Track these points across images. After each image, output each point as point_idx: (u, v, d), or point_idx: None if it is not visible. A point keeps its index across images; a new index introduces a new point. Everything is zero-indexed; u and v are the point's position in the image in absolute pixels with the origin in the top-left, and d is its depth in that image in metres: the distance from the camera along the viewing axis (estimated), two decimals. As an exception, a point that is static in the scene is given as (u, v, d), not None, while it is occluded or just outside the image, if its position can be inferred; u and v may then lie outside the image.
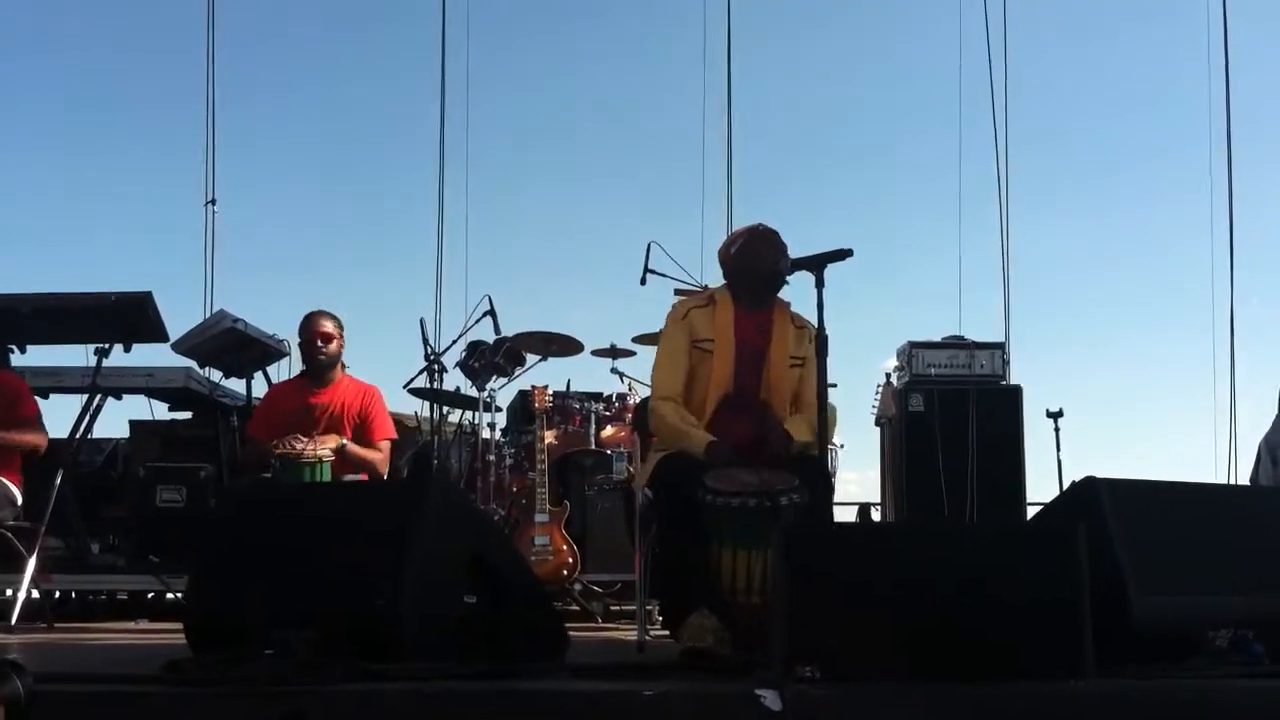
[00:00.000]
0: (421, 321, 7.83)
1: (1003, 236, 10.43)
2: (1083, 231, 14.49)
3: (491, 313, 7.78)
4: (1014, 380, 7.90)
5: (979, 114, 10.47)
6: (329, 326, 6.28)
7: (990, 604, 3.43)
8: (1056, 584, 3.44)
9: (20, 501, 6.18)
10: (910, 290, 14.48)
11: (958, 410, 7.53)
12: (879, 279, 12.56)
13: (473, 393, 7.76)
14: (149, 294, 6.80)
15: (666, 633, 4.64)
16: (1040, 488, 8.39)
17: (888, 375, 8.06)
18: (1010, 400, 7.70)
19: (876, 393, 8.08)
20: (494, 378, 7.69)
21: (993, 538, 3.79)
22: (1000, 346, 7.95)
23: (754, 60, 11.63)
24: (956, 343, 7.88)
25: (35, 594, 5.99)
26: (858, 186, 14.83)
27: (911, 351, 7.82)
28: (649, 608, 5.19)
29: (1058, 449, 7.90)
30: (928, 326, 10.02)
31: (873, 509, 8.40)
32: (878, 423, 8.08)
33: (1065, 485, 7.40)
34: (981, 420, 7.50)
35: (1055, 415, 7.92)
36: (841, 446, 8.36)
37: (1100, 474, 4.09)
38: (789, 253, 4.68)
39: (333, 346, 6.27)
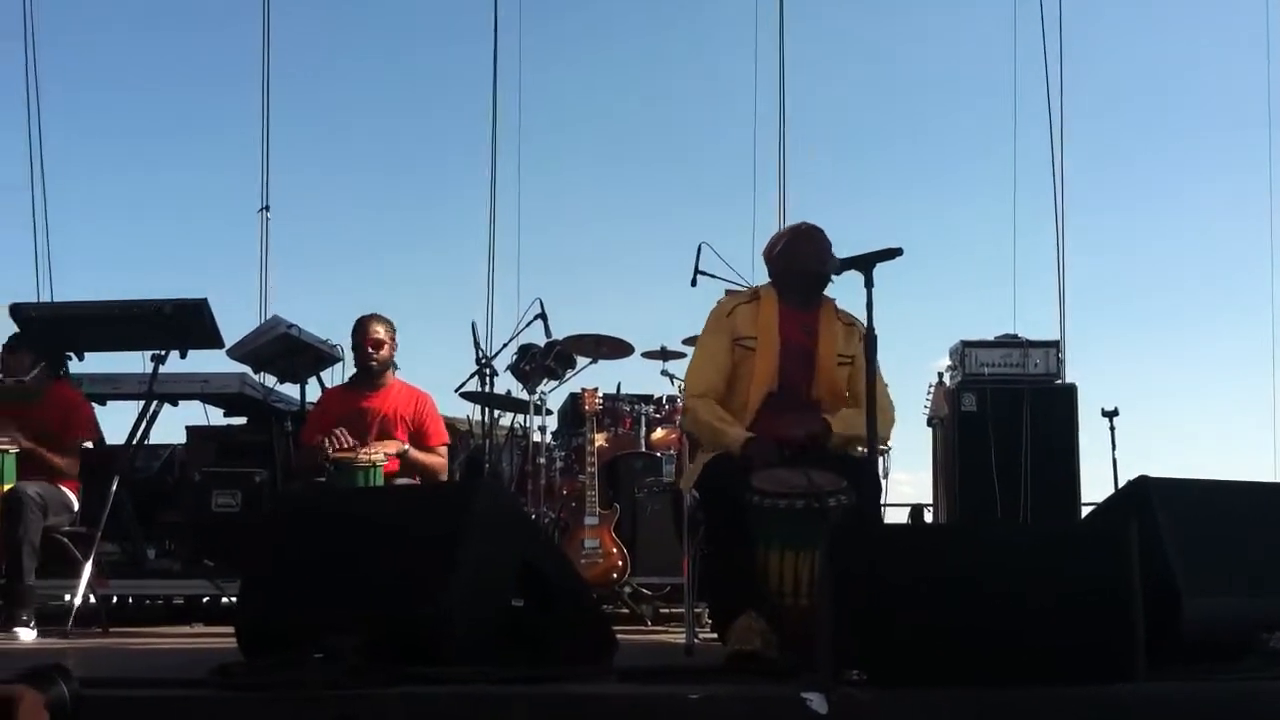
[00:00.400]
0: (473, 325, 7.88)
1: (1058, 233, 10.28)
2: (1138, 228, 14.30)
3: (542, 316, 7.80)
4: (1069, 379, 7.81)
5: (1034, 105, 10.32)
6: (380, 331, 6.33)
7: (1041, 606, 3.39)
8: (1108, 585, 3.40)
9: (77, 507, 6.28)
10: (963, 289, 14.35)
11: (1011, 410, 7.45)
12: (931, 277, 12.45)
13: (524, 396, 7.78)
14: (204, 301, 6.88)
15: (715, 635, 4.63)
16: (1095, 488, 8.28)
17: (940, 375, 8.00)
18: (1065, 399, 7.61)
19: (928, 393, 8.02)
20: (544, 380, 7.71)
21: (1044, 538, 3.75)
22: (1055, 345, 7.86)
23: (805, 49, 11.53)
24: (1010, 341, 7.80)
25: (92, 599, 6.06)
26: (910, 185, 14.69)
27: (964, 350, 7.75)
28: (698, 610, 5.17)
29: (1113, 448, 7.81)
30: (981, 325, 9.91)
31: (925, 510, 8.34)
32: (930, 423, 8.02)
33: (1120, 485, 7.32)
34: (1036, 420, 7.42)
35: (1110, 414, 7.83)
36: (890, 449, 8.29)
37: (1156, 474, 4.04)
38: (834, 250, 4.65)
39: (384, 351, 6.32)
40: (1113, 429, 7.81)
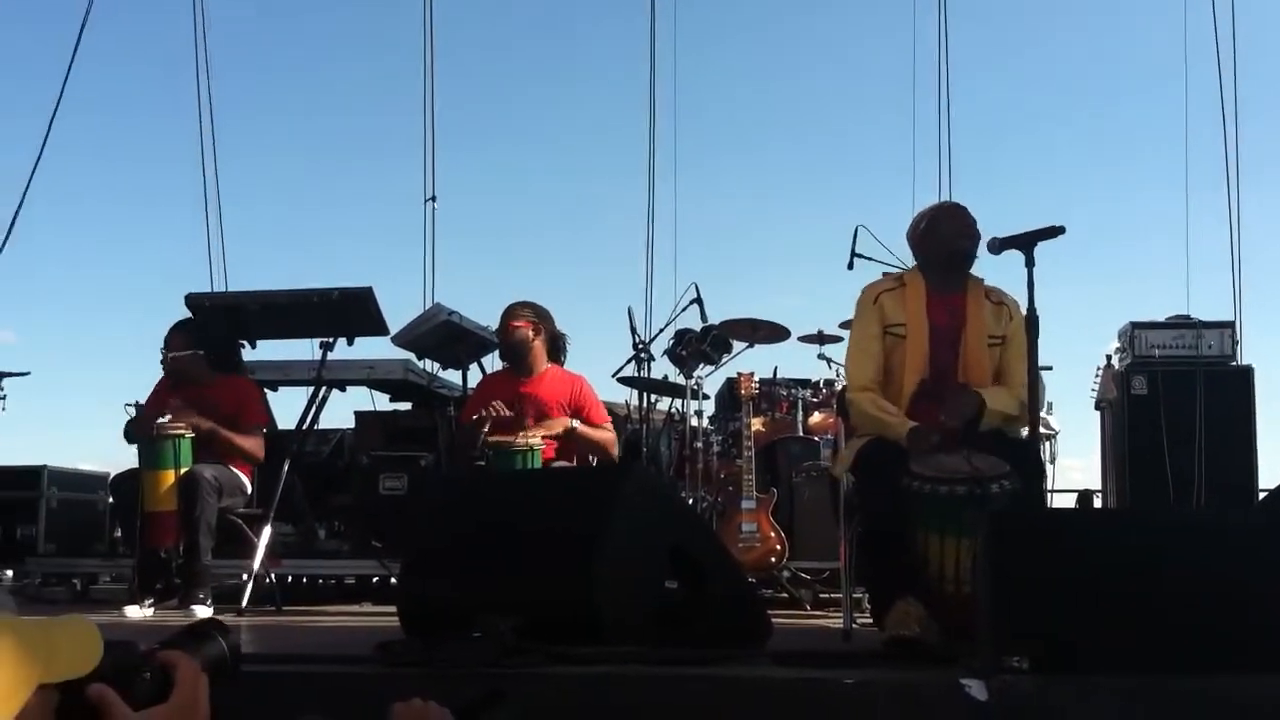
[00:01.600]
0: (630, 311, 7.92)
1: (1230, 210, 9.85)
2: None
3: (698, 300, 7.80)
4: (1245, 361, 7.51)
5: (1205, 79, 9.91)
6: (519, 316, 6.40)
7: (1209, 594, 3.27)
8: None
9: (250, 490, 6.49)
10: (1132, 268, 13.91)
11: (1184, 393, 7.19)
12: (1099, 257, 12.10)
13: (680, 380, 7.80)
14: (370, 289, 7.04)
15: (873, 621, 4.58)
16: (1273, 474, 7.93)
17: (1108, 357, 7.76)
18: (1241, 382, 7.32)
19: (1096, 375, 7.79)
20: (701, 365, 7.71)
21: (1217, 524, 3.62)
22: (1230, 325, 7.56)
23: (967, 29, 11.28)
24: (1182, 322, 7.53)
25: (266, 578, 6.26)
26: (1076, 158, 14.30)
27: (1133, 332, 7.51)
28: (856, 595, 5.12)
29: (1293, 432, 7.50)
30: (1151, 307, 9.59)
31: (1094, 496, 8.10)
32: (1097, 406, 7.79)
33: (1302, 471, 7.03)
34: (1210, 403, 7.15)
35: (1291, 397, 7.51)
36: (1057, 434, 8.08)
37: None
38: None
39: (517, 334, 6.38)
40: (1292, 412, 7.50)
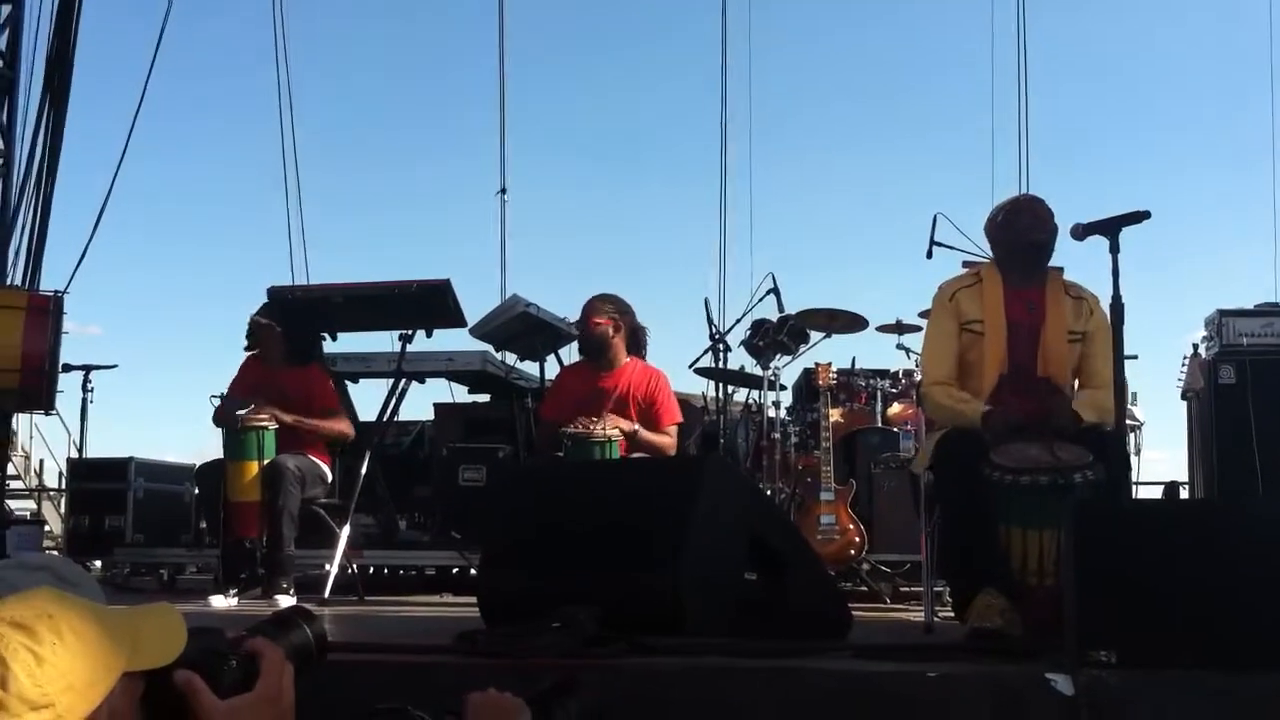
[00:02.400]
0: (706, 301, 7.90)
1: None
2: None
3: (775, 290, 7.76)
4: (1338, 348, 7.32)
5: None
6: (599, 311, 6.38)
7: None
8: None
9: (331, 479, 6.57)
10: (1220, 257, 13.65)
11: (1273, 382, 7.03)
12: (1185, 245, 11.88)
13: (757, 371, 7.77)
14: (448, 281, 7.09)
15: (954, 615, 4.53)
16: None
17: (1195, 346, 7.61)
18: (1333, 370, 7.14)
19: (1182, 365, 7.64)
20: (778, 356, 7.66)
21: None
22: (1322, 312, 7.38)
23: (1048, 12, 11.11)
24: (1271, 310, 7.36)
25: (349, 568, 6.33)
26: (1162, 147, 14.04)
27: (1221, 320, 7.35)
28: (937, 589, 5.07)
29: (1389, 422, 7.28)
30: (1239, 295, 9.37)
31: (1181, 488, 7.96)
32: (1184, 396, 7.65)
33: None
34: (1300, 392, 6.99)
35: (1383, 385, 7.30)
36: (1142, 425, 7.94)
37: None
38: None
39: (598, 330, 6.36)
40: (1385, 400, 7.29)
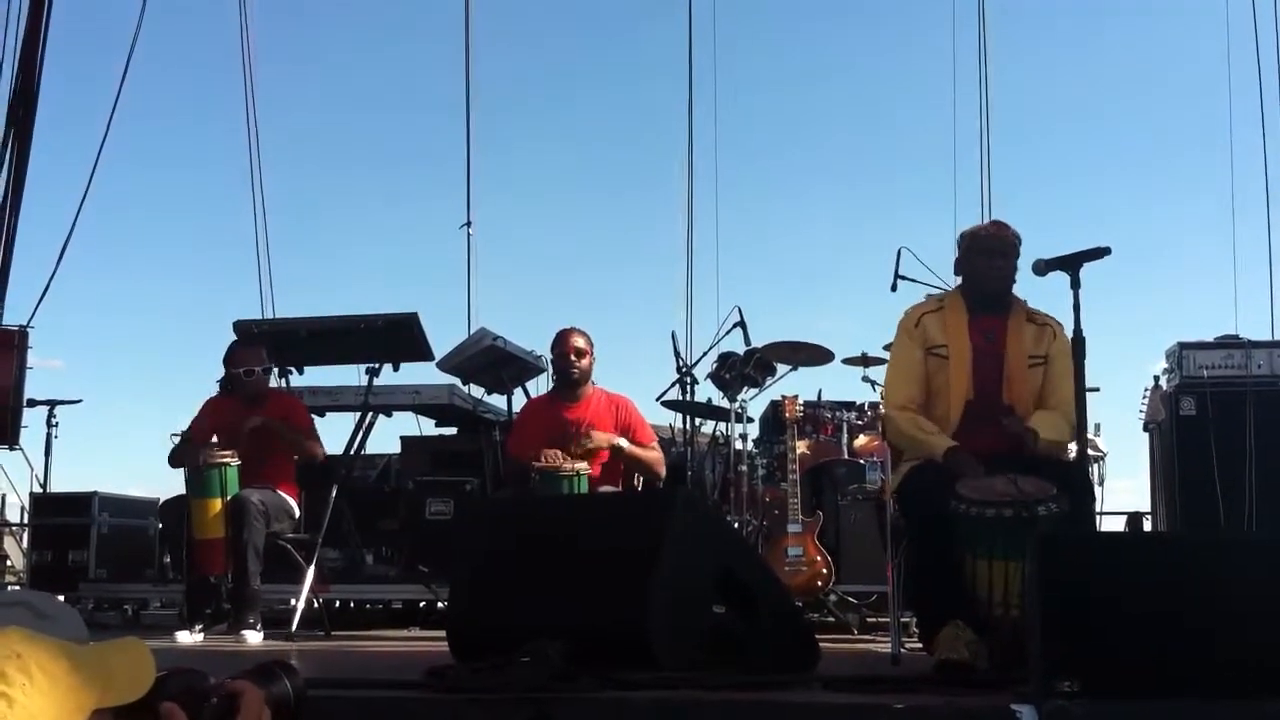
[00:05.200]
0: (673, 335, 7.94)
1: (1269, 221, 9.72)
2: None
3: (741, 324, 7.80)
4: (1296, 380, 7.41)
5: (1249, 91, 9.81)
6: (581, 342, 6.41)
7: (1262, 617, 3.23)
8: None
9: (298, 514, 6.54)
10: (1179, 287, 13.80)
11: (1234, 414, 7.11)
12: (1144, 277, 12.01)
13: (724, 404, 7.80)
14: (415, 315, 7.12)
15: (922, 645, 4.55)
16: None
17: (1156, 378, 7.69)
18: (1293, 402, 7.23)
19: (1144, 397, 7.72)
20: (745, 388, 7.70)
21: (1266, 547, 3.58)
22: (1280, 345, 7.48)
23: (1007, 58, 11.25)
24: (1231, 342, 7.45)
25: (315, 603, 6.30)
26: (1122, 180, 14.22)
27: (1181, 352, 7.43)
28: (904, 619, 5.10)
29: (1348, 454, 7.37)
30: (1199, 327, 9.48)
31: (1144, 519, 8.03)
32: (1146, 428, 7.73)
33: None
34: (1260, 424, 7.06)
35: (1345, 417, 7.40)
36: (1105, 455, 8.02)
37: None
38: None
39: (585, 362, 6.40)
40: (1347, 433, 7.39)
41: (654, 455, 6.40)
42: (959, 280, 4.84)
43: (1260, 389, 7.21)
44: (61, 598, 6.60)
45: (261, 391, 6.50)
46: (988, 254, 4.65)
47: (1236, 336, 7.51)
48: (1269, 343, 7.44)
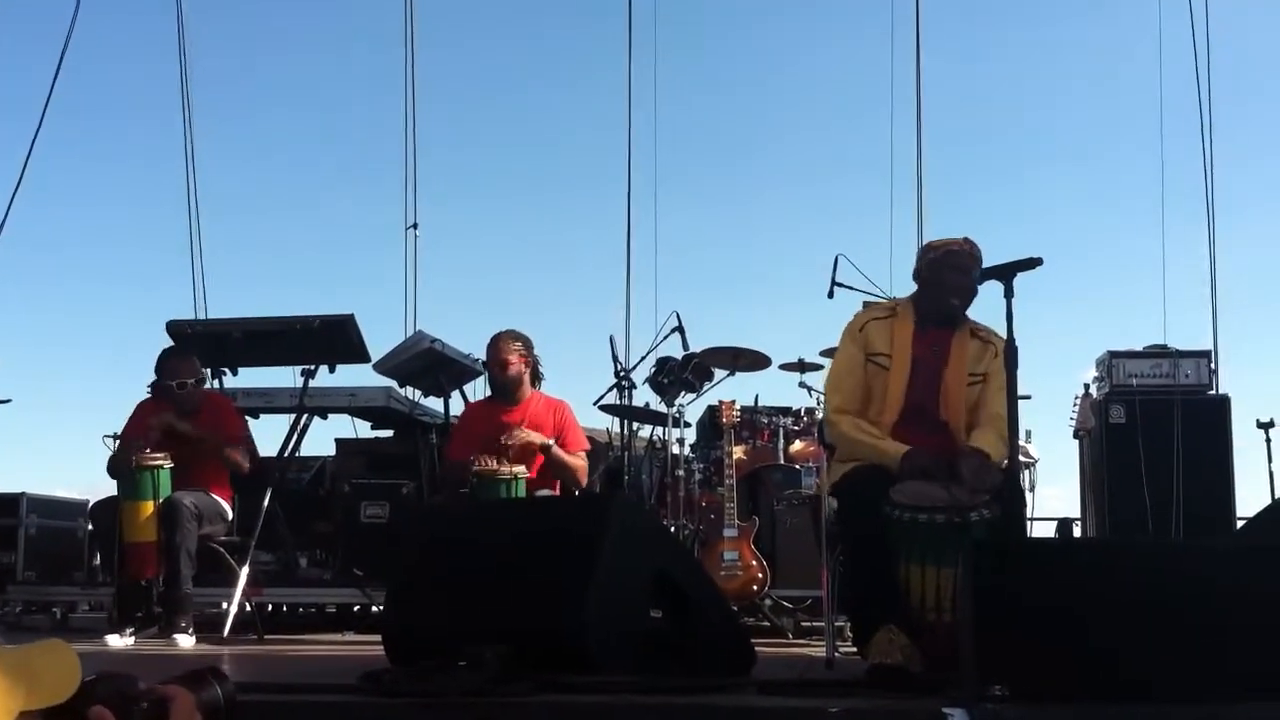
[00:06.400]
0: (611, 339, 7.96)
1: (1210, 236, 9.90)
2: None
3: (680, 329, 7.85)
4: (1222, 390, 7.58)
5: (1180, 98, 9.98)
6: (510, 351, 6.40)
7: (1191, 623, 3.30)
8: (1265, 604, 3.30)
9: (232, 517, 6.48)
10: (1109, 297, 14.01)
11: (1162, 422, 7.25)
12: (1074, 287, 12.18)
13: (662, 408, 7.82)
14: (351, 316, 7.08)
15: (856, 649, 4.59)
16: (1251, 503, 7.99)
17: (1086, 386, 7.81)
18: (1218, 411, 7.37)
19: (1074, 404, 7.84)
20: (682, 393, 7.73)
21: (1196, 554, 3.66)
22: (1207, 355, 7.63)
23: (942, 62, 11.36)
24: (1159, 351, 7.59)
25: (247, 606, 6.24)
26: (1053, 190, 14.41)
27: (1111, 361, 7.57)
28: (839, 624, 5.14)
29: (1269, 462, 7.56)
30: (1128, 336, 9.63)
31: (1073, 525, 8.16)
32: (1076, 435, 7.84)
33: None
34: (1187, 432, 7.20)
35: (1266, 426, 7.60)
36: (1036, 462, 8.13)
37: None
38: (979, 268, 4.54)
39: (513, 370, 6.39)
40: (1269, 441, 7.59)
41: (578, 463, 6.41)
42: (915, 289, 4.81)
43: (1187, 397, 7.35)
44: (-12, 600, 6.48)
45: (192, 402, 6.42)
46: (960, 270, 4.63)
47: (1165, 346, 7.65)
48: (1196, 352, 7.59)
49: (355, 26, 14.64)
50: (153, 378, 6.46)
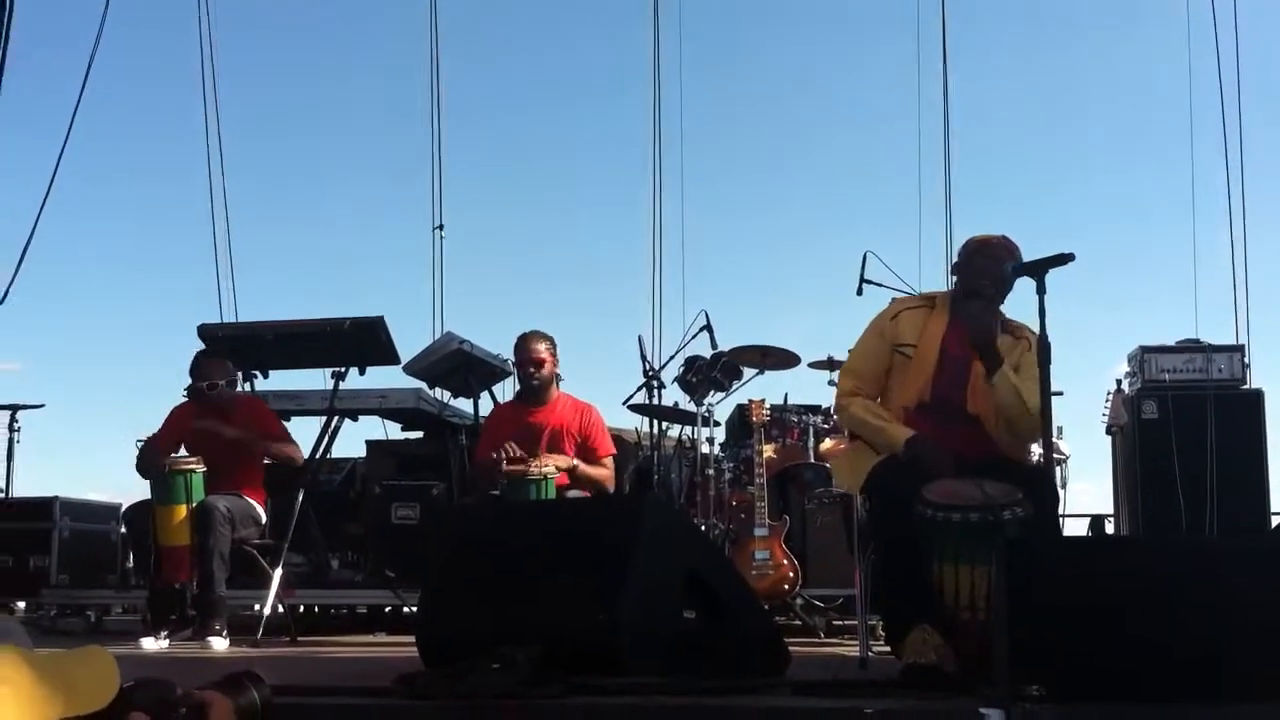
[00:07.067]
0: (640, 339, 7.96)
1: (1232, 229, 9.81)
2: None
3: (708, 328, 7.84)
4: (1255, 384, 7.51)
5: (1209, 99, 9.90)
6: (540, 350, 6.42)
7: (1230, 623, 3.27)
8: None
9: (265, 520, 6.51)
10: (1141, 292, 13.92)
11: (1195, 417, 7.20)
12: (1108, 282, 12.10)
13: (691, 408, 7.81)
14: (381, 319, 7.10)
15: (889, 649, 4.57)
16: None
17: (1118, 382, 7.77)
18: (1252, 405, 7.32)
19: (1106, 400, 7.80)
20: (711, 392, 7.72)
21: (1232, 551, 3.62)
22: (1240, 349, 7.58)
23: (969, 68, 11.34)
24: (1192, 346, 7.54)
25: (280, 608, 6.27)
26: (1085, 188, 14.31)
27: (1143, 356, 7.52)
28: (872, 623, 5.12)
29: (1306, 456, 7.48)
30: (1161, 331, 9.56)
31: (1106, 521, 8.11)
32: (1109, 431, 7.79)
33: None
34: (1221, 427, 7.15)
35: (1303, 420, 7.50)
36: (1068, 458, 8.08)
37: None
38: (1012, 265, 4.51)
39: (545, 369, 6.41)
40: (1305, 435, 7.49)
41: (605, 474, 6.42)
42: (954, 281, 4.79)
43: (1220, 392, 7.30)
44: (23, 604, 6.59)
45: (226, 403, 6.47)
46: (993, 259, 4.60)
47: (1197, 340, 7.59)
48: (1228, 347, 7.54)
49: (380, 32, 14.65)
50: (186, 382, 6.51)
